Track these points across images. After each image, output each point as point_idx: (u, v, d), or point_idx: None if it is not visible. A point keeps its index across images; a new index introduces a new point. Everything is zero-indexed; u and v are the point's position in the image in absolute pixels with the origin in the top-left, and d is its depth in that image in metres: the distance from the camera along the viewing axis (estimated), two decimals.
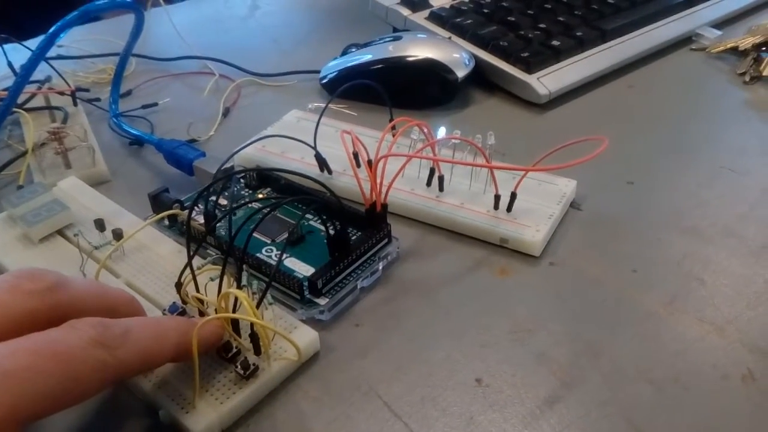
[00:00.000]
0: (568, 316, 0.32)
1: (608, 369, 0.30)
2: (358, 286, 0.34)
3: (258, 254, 0.34)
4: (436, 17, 0.57)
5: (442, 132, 0.39)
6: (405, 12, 0.58)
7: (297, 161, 0.42)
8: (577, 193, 0.40)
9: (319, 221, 0.36)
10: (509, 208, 0.37)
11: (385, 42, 0.52)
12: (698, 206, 0.40)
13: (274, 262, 0.34)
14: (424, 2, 0.59)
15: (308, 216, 0.37)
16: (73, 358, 0.22)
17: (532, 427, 0.27)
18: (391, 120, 0.42)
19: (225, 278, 0.29)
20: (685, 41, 0.59)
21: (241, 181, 0.41)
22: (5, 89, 0.44)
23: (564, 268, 0.35)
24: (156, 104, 0.51)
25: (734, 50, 0.57)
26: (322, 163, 0.41)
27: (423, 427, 0.27)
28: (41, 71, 0.50)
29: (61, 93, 0.49)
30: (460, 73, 0.50)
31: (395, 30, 0.59)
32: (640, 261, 0.36)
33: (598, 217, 0.39)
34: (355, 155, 0.39)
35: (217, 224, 0.36)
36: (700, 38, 0.59)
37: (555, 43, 0.53)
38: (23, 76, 0.42)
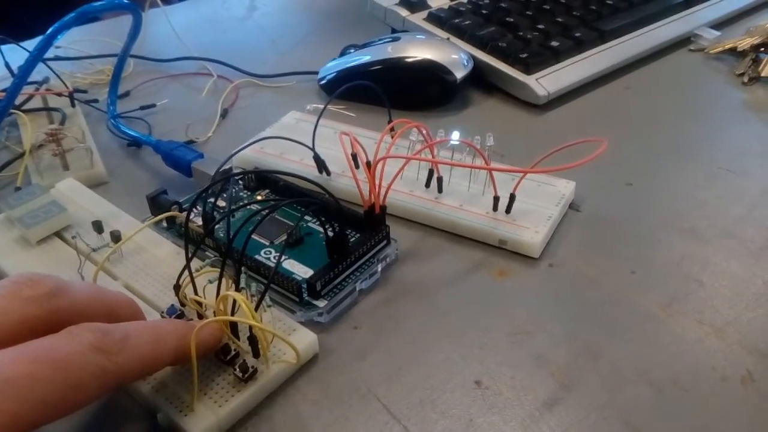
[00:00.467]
0: (567, 318, 0.32)
1: (607, 371, 0.30)
2: (357, 288, 0.34)
3: (257, 256, 0.34)
4: (435, 18, 0.57)
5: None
6: (403, 13, 0.58)
7: (296, 163, 0.42)
8: (576, 194, 0.40)
9: (318, 223, 0.36)
10: (508, 210, 0.37)
11: (383, 43, 0.52)
12: (697, 207, 0.40)
13: (272, 264, 0.34)
14: (423, 3, 0.59)
15: (307, 218, 0.37)
16: (73, 365, 0.22)
17: (532, 429, 0.27)
18: (389, 121, 0.42)
19: (223, 280, 0.29)
20: (683, 42, 0.59)
21: (240, 182, 0.41)
22: (3, 90, 0.44)
23: (563, 270, 0.35)
24: (154, 105, 0.51)
25: (733, 51, 0.57)
26: (321, 165, 0.41)
27: (422, 429, 0.27)
28: (39, 72, 0.50)
29: (59, 94, 0.49)
30: (459, 74, 0.49)
31: (394, 31, 0.59)
32: (639, 262, 0.36)
33: (597, 218, 0.39)
34: (354, 157, 0.39)
35: (216, 226, 0.36)
36: (699, 39, 0.59)
37: (554, 43, 0.53)
38: (21, 77, 0.42)
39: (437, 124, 0.45)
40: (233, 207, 0.37)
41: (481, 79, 0.53)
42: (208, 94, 0.53)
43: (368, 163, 0.37)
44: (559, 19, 0.57)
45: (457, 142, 0.39)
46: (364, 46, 0.53)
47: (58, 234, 0.36)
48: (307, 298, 0.32)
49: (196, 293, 0.30)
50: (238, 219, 0.37)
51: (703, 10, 0.62)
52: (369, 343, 0.31)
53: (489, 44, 0.53)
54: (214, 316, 0.28)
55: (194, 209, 0.34)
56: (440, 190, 0.39)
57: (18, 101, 0.47)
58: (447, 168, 0.40)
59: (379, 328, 0.32)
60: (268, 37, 0.64)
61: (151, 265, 0.34)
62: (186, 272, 0.30)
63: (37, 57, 0.42)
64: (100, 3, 0.45)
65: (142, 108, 0.50)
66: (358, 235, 0.36)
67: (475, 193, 0.39)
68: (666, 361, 0.30)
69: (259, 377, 0.28)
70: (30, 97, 0.48)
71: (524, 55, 0.51)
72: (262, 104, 0.52)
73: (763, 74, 0.53)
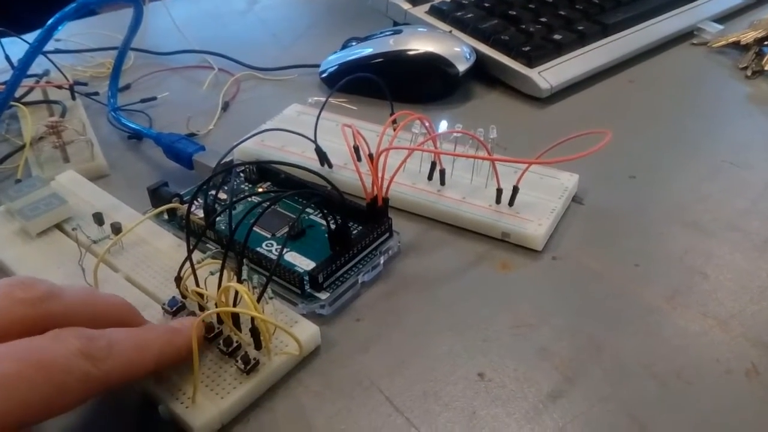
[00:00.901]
0: (570, 311, 0.32)
1: (611, 364, 0.29)
2: (359, 281, 0.33)
3: (258, 248, 0.34)
4: (437, 11, 0.56)
5: (443, 125, 0.39)
6: (405, 6, 0.57)
7: (297, 155, 0.42)
8: (579, 187, 0.40)
9: (320, 215, 0.36)
10: (511, 203, 0.37)
11: (385, 36, 0.51)
12: (700, 200, 0.39)
13: (274, 257, 0.33)
14: None
15: (309, 210, 0.37)
16: (58, 368, 0.22)
17: (535, 421, 0.27)
18: (391, 114, 0.41)
19: (225, 272, 0.28)
20: (686, 36, 0.59)
21: (241, 175, 0.40)
22: (3, 83, 0.44)
23: (566, 263, 0.35)
24: (155, 98, 0.51)
25: (736, 45, 0.56)
26: (323, 157, 0.40)
27: (425, 422, 0.27)
28: (40, 65, 0.50)
29: (60, 87, 0.49)
30: (461, 67, 0.49)
31: (395, 24, 0.58)
32: (642, 255, 0.35)
33: (600, 211, 0.39)
34: (356, 149, 0.39)
35: (217, 218, 0.36)
36: (702, 33, 0.59)
37: (556, 37, 0.53)
38: (21, 69, 0.42)
39: (439, 117, 0.45)
40: (234, 199, 0.37)
41: (483, 73, 0.52)
42: (209, 87, 0.53)
43: (371, 156, 0.37)
44: (562, 13, 0.56)
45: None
46: (366, 39, 0.53)
47: (59, 226, 0.36)
48: (309, 290, 0.32)
49: (197, 285, 0.30)
50: (240, 211, 0.37)
51: (706, 3, 0.61)
52: (372, 335, 0.31)
53: (491, 37, 0.53)
54: (216, 307, 0.28)
55: (195, 201, 0.34)
56: (443, 182, 0.39)
57: (18, 93, 0.46)
58: (450, 160, 0.39)
59: (382, 321, 0.32)
60: (270, 30, 0.64)
61: (152, 257, 0.34)
62: (187, 264, 0.29)
63: (37, 49, 0.42)
64: None
65: (143, 101, 0.50)
66: (361, 227, 0.35)
67: (477, 185, 0.39)
68: (670, 353, 0.30)
69: (261, 369, 0.28)
70: (30, 90, 0.48)
71: (527, 49, 0.51)
72: (264, 97, 0.52)
73: (766, 68, 0.53)
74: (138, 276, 0.33)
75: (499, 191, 0.37)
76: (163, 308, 0.31)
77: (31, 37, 0.45)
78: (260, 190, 0.39)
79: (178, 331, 0.27)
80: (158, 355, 0.25)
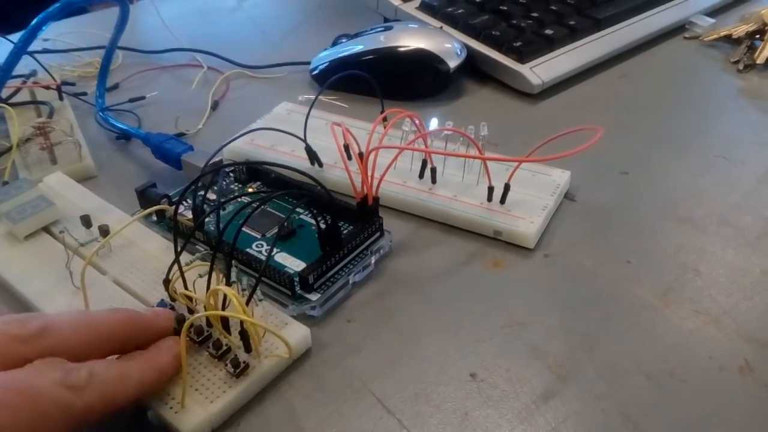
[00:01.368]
0: (562, 309, 0.32)
1: (603, 362, 0.29)
2: (350, 281, 0.33)
3: (248, 249, 0.34)
4: (427, 7, 0.56)
5: (434, 123, 0.39)
6: (396, 2, 0.57)
7: (287, 154, 0.41)
8: (571, 184, 0.40)
9: (310, 215, 0.35)
10: (503, 200, 0.37)
11: (375, 32, 0.51)
12: (693, 196, 0.39)
13: (264, 258, 0.33)
14: None
15: (299, 210, 0.37)
16: (41, 397, 0.22)
17: (528, 422, 0.27)
18: (382, 111, 0.41)
19: (214, 274, 0.28)
20: (678, 30, 0.59)
21: (231, 175, 0.40)
22: None
23: (558, 260, 0.35)
24: (143, 98, 0.50)
25: (728, 38, 0.56)
26: (313, 156, 0.40)
27: (417, 423, 0.27)
28: (26, 65, 0.49)
29: (47, 87, 0.48)
30: (452, 63, 0.49)
31: (386, 20, 0.58)
32: (634, 252, 0.35)
33: (592, 208, 0.39)
34: (346, 148, 0.38)
35: (207, 219, 0.35)
36: (694, 26, 0.59)
37: (548, 32, 0.52)
38: (6, 69, 0.41)
39: (431, 113, 0.45)
40: (224, 200, 0.37)
41: (474, 68, 0.52)
42: (198, 85, 0.52)
43: (361, 154, 0.37)
44: (553, 7, 0.56)
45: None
46: (357, 35, 0.52)
47: (47, 229, 0.36)
48: (299, 291, 0.32)
49: (186, 288, 0.29)
50: (229, 212, 0.36)
51: None
52: (363, 336, 0.31)
53: (482, 33, 0.52)
54: (205, 310, 0.28)
55: (184, 202, 0.34)
56: (434, 180, 0.38)
57: (5, 94, 0.46)
58: (441, 158, 0.39)
59: (373, 321, 0.32)
60: (259, 27, 0.64)
61: (140, 259, 0.34)
62: (176, 266, 0.29)
63: (21, 48, 0.42)
64: None
65: (131, 100, 0.50)
66: (351, 227, 0.35)
67: (469, 183, 0.38)
68: (663, 351, 0.30)
69: (251, 372, 0.28)
70: (17, 90, 0.48)
71: (518, 44, 0.51)
72: (253, 95, 0.52)
73: (758, 61, 0.53)
74: (126, 279, 0.33)
75: (491, 189, 0.37)
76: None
77: (17, 36, 0.44)
78: (250, 190, 0.39)
79: (159, 351, 0.27)
80: (139, 382, 0.25)
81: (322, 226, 0.32)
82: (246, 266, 0.33)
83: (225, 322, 0.28)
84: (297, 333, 0.29)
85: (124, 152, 0.45)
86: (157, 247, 0.34)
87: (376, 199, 0.34)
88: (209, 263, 0.28)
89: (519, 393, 0.28)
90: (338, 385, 0.29)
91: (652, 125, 0.46)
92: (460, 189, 0.38)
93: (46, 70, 0.50)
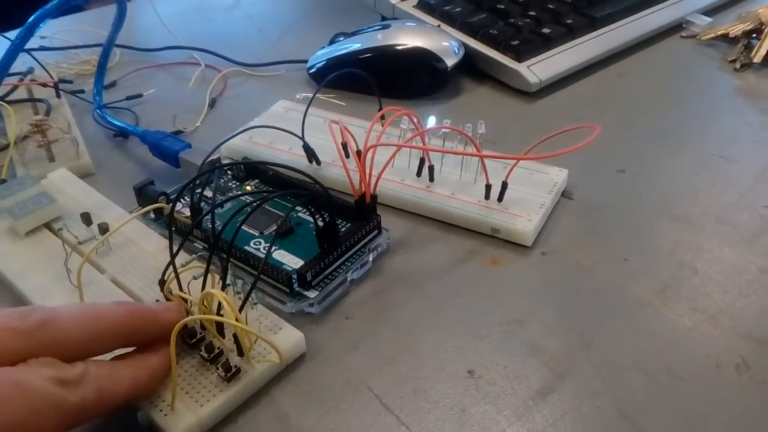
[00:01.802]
0: (560, 306, 0.32)
1: (600, 359, 0.29)
2: (348, 279, 0.33)
3: (246, 247, 0.34)
4: (425, 5, 0.56)
5: (431, 121, 0.39)
6: (393, 0, 0.57)
7: (285, 152, 0.41)
8: (569, 182, 0.40)
9: (308, 213, 0.36)
10: (500, 198, 0.37)
11: (373, 30, 0.51)
12: (690, 194, 0.39)
13: (262, 255, 0.33)
14: None
15: (297, 208, 0.37)
16: (33, 391, 0.22)
17: (525, 418, 0.27)
18: (380, 109, 0.41)
19: (209, 276, 0.28)
20: (675, 29, 0.59)
21: (229, 173, 0.40)
22: None
23: (556, 258, 0.35)
24: (141, 95, 0.50)
25: (725, 37, 0.56)
26: (311, 154, 0.40)
27: (415, 420, 0.27)
28: (24, 63, 0.49)
29: (44, 85, 0.48)
30: (450, 61, 0.49)
31: (383, 18, 0.58)
32: (631, 250, 0.35)
33: (589, 206, 0.39)
34: (344, 146, 0.38)
35: (205, 217, 0.35)
36: (691, 25, 0.59)
37: (545, 30, 0.52)
38: (2, 67, 0.41)
39: (428, 112, 0.45)
40: (222, 198, 0.37)
41: (472, 67, 0.52)
42: (196, 83, 0.52)
43: (358, 152, 0.37)
44: (551, 6, 0.56)
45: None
46: (354, 34, 0.52)
47: (48, 225, 0.36)
48: (297, 288, 0.32)
49: (180, 289, 0.29)
50: (228, 210, 0.37)
51: None
52: (361, 333, 0.31)
53: (480, 31, 0.52)
54: (199, 313, 0.28)
55: (182, 200, 0.34)
56: (431, 178, 0.39)
57: (2, 92, 0.46)
58: (438, 156, 0.39)
59: (371, 319, 0.32)
60: (256, 25, 0.64)
61: (139, 258, 0.34)
62: (171, 267, 0.29)
63: (18, 46, 0.41)
64: None
65: (129, 98, 0.50)
66: (349, 224, 0.35)
67: (466, 181, 0.38)
68: (660, 349, 0.30)
69: (243, 377, 0.28)
70: (14, 88, 0.48)
71: (515, 43, 0.51)
72: (251, 94, 0.52)
73: (755, 60, 0.53)
74: (124, 278, 0.33)
75: (488, 187, 0.37)
76: None
77: (14, 34, 0.44)
78: (248, 188, 0.39)
79: (150, 354, 0.27)
80: (132, 382, 0.25)
81: (320, 223, 0.32)
82: (244, 264, 0.33)
83: (219, 324, 0.28)
84: (290, 339, 0.29)
85: (122, 150, 0.45)
86: (156, 246, 0.34)
87: (374, 196, 0.35)
88: (205, 265, 0.28)
89: (516, 389, 0.28)
90: (336, 381, 0.29)
91: (649, 124, 0.46)
92: (457, 187, 0.38)
93: (44, 68, 0.50)
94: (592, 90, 0.51)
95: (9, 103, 0.46)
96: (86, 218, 0.35)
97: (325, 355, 0.30)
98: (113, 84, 0.52)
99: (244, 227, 0.35)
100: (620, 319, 0.31)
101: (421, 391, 0.28)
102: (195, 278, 0.29)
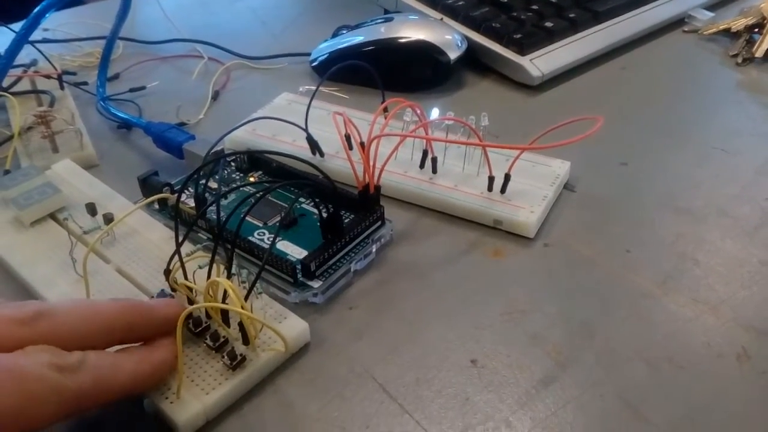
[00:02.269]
0: (562, 297, 0.32)
1: (603, 349, 0.30)
2: (352, 269, 0.33)
3: (250, 237, 0.34)
4: None
5: (435, 113, 0.39)
6: None
7: (288, 144, 0.41)
8: (571, 174, 0.40)
9: (312, 204, 0.36)
10: (503, 190, 0.37)
11: (376, 23, 0.51)
12: (692, 187, 0.40)
13: (266, 246, 0.33)
14: None
15: (301, 199, 0.37)
16: (29, 376, 0.22)
17: (528, 407, 0.27)
18: (383, 102, 0.41)
19: (215, 265, 0.28)
20: (677, 23, 0.59)
21: (233, 164, 0.40)
22: None
23: (558, 249, 0.35)
24: (144, 87, 0.50)
25: (727, 32, 0.56)
26: (314, 146, 0.40)
27: (418, 408, 0.27)
28: (27, 55, 0.49)
29: (48, 76, 0.48)
30: (453, 54, 0.49)
31: (386, 11, 0.58)
32: (634, 241, 0.36)
33: (591, 198, 0.39)
34: (348, 137, 0.39)
35: (209, 208, 0.35)
36: (693, 20, 0.59)
37: (548, 24, 0.53)
38: (7, 58, 0.41)
39: (431, 105, 0.45)
40: (226, 189, 0.37)
41: (475, 60, 0.52)
42: (199, 76, 0.53)
43: (362, 144, 0.37)
44: (553, 0, 0.56)
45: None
46: (357, 26, 0.52)
47: (53, 216, 0.36)
48: (301, 279, 0.32)
49: (186, 278, 0.29)
50: (232, 201, 0.37)
51: None
52: (364, 323, 0.31)
53: (483, 25, 0.52)
54: (204, 302, 0.28)
55: (186, 191, 0.34)
56: (435, 170, 0.39)
57: (6, 83, 0.46)
58: (441, 148, 0.39)
59: (375, 309, 0.32)
60: (259, 18, 0.64)
61: (143, 248, 0.34)
62: (176, 257, 0.29)
63: (23, 38, 0.42)
64: None
65: (132, 90, 0.50)
66: (353, 215, 0.35)
67: (469, 173, 0.39)
68: (661, 338, 0.30)
69: (248, 365, 0.28)
70: (18, 80, 0.48)
71: (518, 36, 0.51)
72: (254, 86, 0.52)
73: (757, 55, 0.53)
74: (128, 267, 0.33)
75: (491, 179, 0.37)
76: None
77: (18, 26, 0.44)
78: (252, 179, 0.39)
79: (157, 347, 0.26)
80: (132, 373, 0.25)
81: (324, 214, 0.33)
82: (248, 254, 0.33)
83: (225, 313, 0.29)
84: (295, 328, 0.29)
85: (126, 141, 0.45)
86: (160, 237, 0.35)
87: (377, 188, 0.35)
88: (210, 254, 0.28)
89: (519, 379, 0.28)
90: (340, 370, 0.29)
91: (651, 117, 0.47)
92: (460, 179, 0.38)
93: (48, 60, 0.50)
94: (595, 84, 0.51)
95: (13, 94, 0.46)
96: (91, 208, 0.35)
97: (329, 344, 0.30)
98: (116, 76, 0.52)
99: (248, 218, 0.35)
100: (622, 309, 0.32)
101: (424, 380, 0.28)
102: (200, 267, 0.29)
